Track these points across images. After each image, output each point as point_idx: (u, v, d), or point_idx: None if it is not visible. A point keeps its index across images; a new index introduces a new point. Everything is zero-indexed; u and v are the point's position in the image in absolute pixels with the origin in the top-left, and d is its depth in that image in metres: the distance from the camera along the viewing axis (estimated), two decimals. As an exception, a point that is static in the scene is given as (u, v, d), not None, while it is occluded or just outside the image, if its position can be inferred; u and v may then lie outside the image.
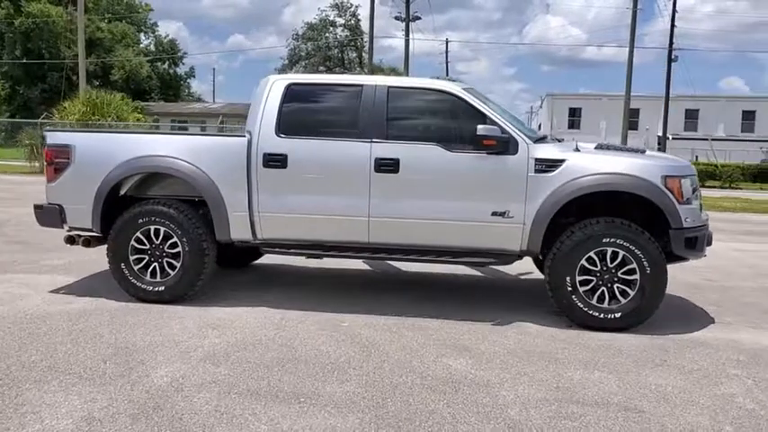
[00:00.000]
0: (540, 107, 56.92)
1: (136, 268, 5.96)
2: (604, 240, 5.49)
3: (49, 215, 6.16)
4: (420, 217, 5.72)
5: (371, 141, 5.71)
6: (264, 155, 5.81)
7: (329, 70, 46.84)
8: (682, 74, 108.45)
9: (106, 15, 53.60)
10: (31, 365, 4.31)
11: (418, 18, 39.04)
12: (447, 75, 45.49)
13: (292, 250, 6.02)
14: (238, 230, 5.92)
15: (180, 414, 3.65)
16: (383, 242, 5.83)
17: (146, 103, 44.55)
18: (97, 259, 7.43)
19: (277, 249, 6.02)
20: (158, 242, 5.94)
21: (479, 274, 7.79)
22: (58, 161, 6.11)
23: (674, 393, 4.20)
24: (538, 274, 7.40)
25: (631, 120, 49.20)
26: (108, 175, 5.94)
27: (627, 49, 33.18)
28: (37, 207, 6.26)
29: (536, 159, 5.58)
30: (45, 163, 6.25)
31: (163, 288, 5.93)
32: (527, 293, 7.02)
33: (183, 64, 62.96)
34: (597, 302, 5.54)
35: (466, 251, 5.79)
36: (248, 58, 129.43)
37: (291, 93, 5.93)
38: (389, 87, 5.87)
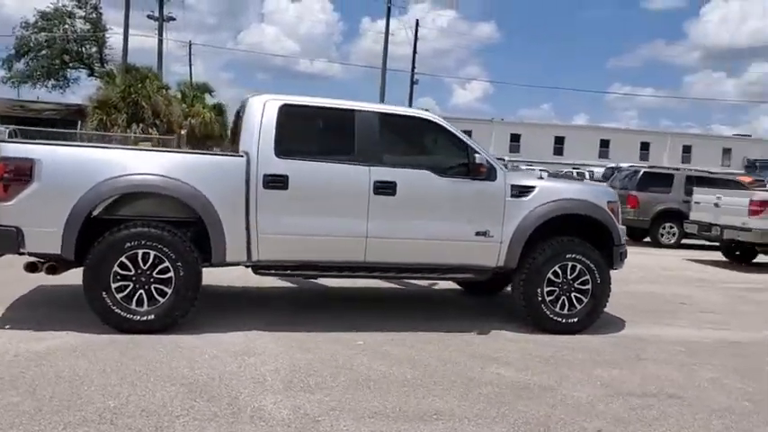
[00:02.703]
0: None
1: (119, 297, 5.45)
2: (567, 256, 6.40)
3: (3, 238, 5.33)
4: (414, 237, 6.11)
5: (370, 165, 5.95)
6: (265, 176, 5.72)
7: (65, 64, 42.72)
8: (398, 93, 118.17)
9: None
10: (120, 411, 3.90)
11: (173, 19, 37.54)
12: (191, 78, 44.39)
13: (288, 271, 6.02)
14: (234, 252, 5.74)
15: (354, 443, 3.70)
16: (379, 261, 6.10)
17: None
18: None
19: (272, 271, 5.96)
20: (146, 267, 5.50)
21: (400, 287, 8.28)
22: (15, 177, 5.33)
23: (680, 380, 5.21)
24: (443, 285, 8.13)
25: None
26: (86, 194, 5.36)
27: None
28: (-15, 229, 5.38)
29: (512, 185, 6.30)
30: (-5, 178, 5.38)
31: (153, 317, 5.50)
32: (460, 302, 7.74)
33: None
34: (560, 309, 6.43)
35: (452, 268, 6.31)
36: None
37: (286, 114, 5.91)
38: (380, 114, 6.15)
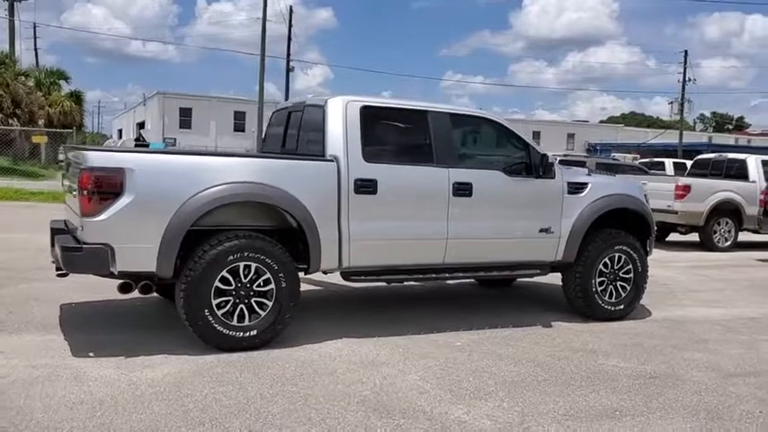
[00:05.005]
0: (144, 104, 55.02)
1: (220, 313, 5.09)
2: (616, 248, 6.78)
3: (93, 258, 4.78)
4: (488, 236, 6.19)
5: (449, 167, 5.96)
6: (356, 180, 5.56)
7: None
8: (243, 77, 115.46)
9: None
10: (339, 438, 3.72)
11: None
12: (37, 62, 41.10)
13: (371, 276, 5.90)
14: (328, 260, 5.55)
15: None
16: (456, 262, 6.13)
17: None
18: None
19: (361, 277, 5.81)
20: (246, 281, 5.18)
21: (418, 284, 8.29)
22: (103, 189, 4.80)
23: (760, 357, 5.72)
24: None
25: (238, 122, 51.50)
26: (186, 205, 4.94)
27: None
28: (71, 249, 4.80)
29: (568, 183, 6.56)
30: (81, 190, 4.81)
31: (255, 332, 5.20)
32: (486, 294, 7.93)
33: None
34: (608, 298, 6.81)
35: (518, 265, 6.47)
36: None
37: (367, 116, 5.75)
38: (450, 114, 6.15)
